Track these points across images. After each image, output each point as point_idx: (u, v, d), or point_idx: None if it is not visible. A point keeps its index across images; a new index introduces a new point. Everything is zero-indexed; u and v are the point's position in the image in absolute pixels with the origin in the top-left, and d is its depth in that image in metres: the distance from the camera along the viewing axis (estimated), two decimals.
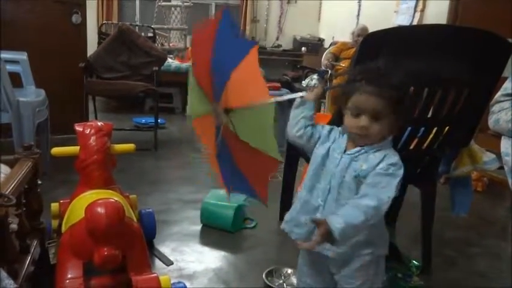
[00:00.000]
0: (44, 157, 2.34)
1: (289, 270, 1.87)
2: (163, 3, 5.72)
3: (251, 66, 1.31)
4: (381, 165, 1.08)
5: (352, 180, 1.11)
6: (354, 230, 1.06)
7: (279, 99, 1.28)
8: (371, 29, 4.23)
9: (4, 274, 1.01)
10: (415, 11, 4.54)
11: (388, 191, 1.07)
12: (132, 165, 3.10)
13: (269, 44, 7.49)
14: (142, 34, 4.44)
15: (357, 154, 1.12)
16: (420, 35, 1.65)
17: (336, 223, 1.02)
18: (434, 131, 1.77)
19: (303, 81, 5.63)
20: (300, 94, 1.25)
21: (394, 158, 1.10)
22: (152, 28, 4.66)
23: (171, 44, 5.79)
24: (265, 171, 1.42)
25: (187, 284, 1.67)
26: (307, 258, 1.29)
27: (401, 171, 1.09)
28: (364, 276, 1.20)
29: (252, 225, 2.35)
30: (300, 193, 1.23)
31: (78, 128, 1.74)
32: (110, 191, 1.71)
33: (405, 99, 1.10)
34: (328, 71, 4.86)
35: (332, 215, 1.05)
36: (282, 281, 1.83)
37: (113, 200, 1.39)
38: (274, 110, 1.29)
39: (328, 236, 1.03)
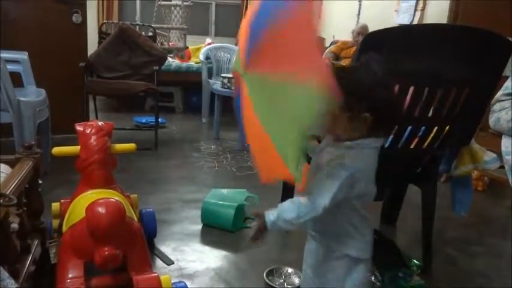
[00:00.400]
0: (45, 157, 2.35)
1: (290, 270, 1.87)
2: (163, 3, 5.71)
3: (301, 23, 0.96)
4: (330, 163, 1.10)
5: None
6: (286, 224, 1.12)
7: None
8: (371, 28, 4.23)
9: (5, 274, 1.01)
10: (415, 10, 4.54)
11: (325, 193, 1.07)
12: (133, 165, 3.10)
13: None
14: (143, 33, 4.43)
15: (326, 146, 1.17)
16: (421, 34, 1.65)
17: (271, 215, 1.13)
18: (434, 130, 1.76)
19: None
20: None
21: (344, 159, 1.09)
22: (152, 27, 4.65)
23: (170, 44, 5.78)
24: (270, 169, 1.13)
25: (188, 284, 1.67)
26: (306, 247, 1.32)
27: (342, 172, 1.07)
28: (332, 274, 1.21)
29: (253, 224, 2.34)
30: None
31: (79, 127, 1.75)
32: (111, 191, 1.71)
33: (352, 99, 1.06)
34: None
35: (269, 210, 1.15)
36: (282, 280, 1.83)
37: (113, 200, 1.40)
38: (321, 100, 0.90)
39: (265, 227, 1.15)
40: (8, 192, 1.17)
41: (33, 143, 1.61)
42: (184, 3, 5.64)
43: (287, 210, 1.11)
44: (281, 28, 0.98)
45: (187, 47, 5.79)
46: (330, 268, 1.22)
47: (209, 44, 5.51)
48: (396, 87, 1.46)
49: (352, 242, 1.18)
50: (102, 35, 4.38)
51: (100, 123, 1.78)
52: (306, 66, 0.94)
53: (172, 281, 1.50)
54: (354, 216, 1.17)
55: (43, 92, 2.90)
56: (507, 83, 1.86)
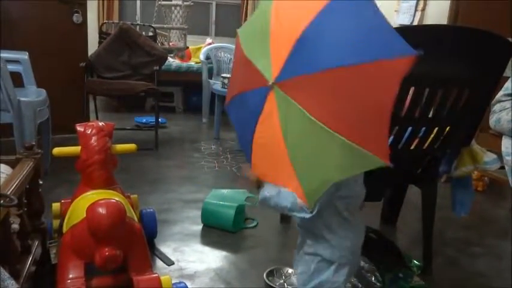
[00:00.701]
0: (45, 157, 2.35)
1: (290, 270, 1.87)
2: (164, 2, 5.71)
3: (385, 82, 0.83)
4: None
5: None
6: (276, 207, 1.12)
7: None
8: None
9: (6, 274, 1.01)
10: (415, 10, 4.53)
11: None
12: (133, 165, 3.10)
13: None
14: (143, 33, 4.43)
15: None
16: (422, 35, 1.65)
17: (266, 191, 1.12)
18: (435, 131, 1.76)
19: None
20: None
21: None
22: (153, 27, 4.65)
23: (171, 43, 5.78)
24: (276, 174, 1.09)
25: (188, 284, 1.68)
26: None
27: None
28: (302, 267, 1.24)
29: (253, 225, 2.35)
30: None
31: (79, 128, 1.74)
32: (111, 191, 1.71)
33: None
34: None
35: (272, 185, 1.11)
36: (282, 281, 1.84)
37: (114, 201, 1.40)
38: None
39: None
40: (8, 193, 1.17)
41: (34, 143, 1.62)
42: (185, 3, 5.64)
43: (284, 198, 1.10)
44: (354, 76, 0.85)
45: (188, 47, 5.78)
46: (303, 260, 1.25)
47: (209, 44, 5.51)
48: None
49: (327, 245, 1.18)
50: (102, 35, 4.37)
51: (100, 123, 1.78)
52: (368, 133, 0.86)
53: (173, 282, 1.50)
54: (334, 219, 1.16)
55: (43, 92, 2.90)
56: (507, 84, 1.86)
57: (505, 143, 1.87)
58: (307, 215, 1.07)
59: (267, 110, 1.03)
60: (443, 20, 4.07)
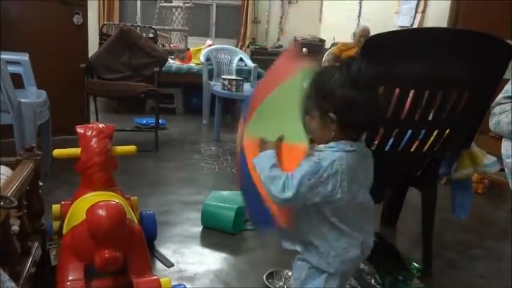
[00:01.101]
0: (46, 158, 2.35)
1: (290, 273, 1.87)
2: (164, 4, 5.72)
3: (281, 64, 1.32)
4: None
5: None
6: (262, 167, 1.12)
7: None
8: (372, 30, 4.22)
9: (6, 276, 1.01)
10: (416, 12, 4.54)
11: (292, 182, 1.07)
12: (133, 167, 3.10)
13: (270, 44, 7.49)
14: (144, 35, 4.43)
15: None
16: (422, 37, 1.65)
17: (261, 155, 1.14)
18: (435, 133, 1.77)
19: None
20: None
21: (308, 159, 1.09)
22: (153, 29, 4.65)
23: (171, 45, 5.78)
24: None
25: (188, 286, 1.68)
26: None
27: (305, 165, 1.07)
28: (296, 274, 1.25)
29: (253, 226, 2.34)
30: None
31: (80, 130, 1.75)
32: (111, 193, 1.71)
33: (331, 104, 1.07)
34: None
35: (270, 154, 1.13)
36: (282, 283, 1.83)
37: (114, 202, 1.40)
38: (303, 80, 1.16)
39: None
40: (8, 195, 1.17)
41: (34, 145, 1.62)
42: (185, 4, 5.65)
43: (271, 176, 1.09)
44: (270, 72, 1.38)
45: (189, 49, 5.79)
46: (296, 266, 1.25)
47: (210, 45, 5.51)
48: (381, 90, 1.48)
49: (315, 251, 1.17)
50: (103, 36, 4.38)
51: (101, 125, 1.78)
52: (289, 68, 1.23)
53: (172, 284, 1.50)
54: (322, 225, 1.13)
55: (44, 93, 2.90)
56: (507, 86, 1.86)
57: (505, 145, 1.88)
58: (281, 196, 1.05)
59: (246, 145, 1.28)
60: (443, 21, 4.08)
